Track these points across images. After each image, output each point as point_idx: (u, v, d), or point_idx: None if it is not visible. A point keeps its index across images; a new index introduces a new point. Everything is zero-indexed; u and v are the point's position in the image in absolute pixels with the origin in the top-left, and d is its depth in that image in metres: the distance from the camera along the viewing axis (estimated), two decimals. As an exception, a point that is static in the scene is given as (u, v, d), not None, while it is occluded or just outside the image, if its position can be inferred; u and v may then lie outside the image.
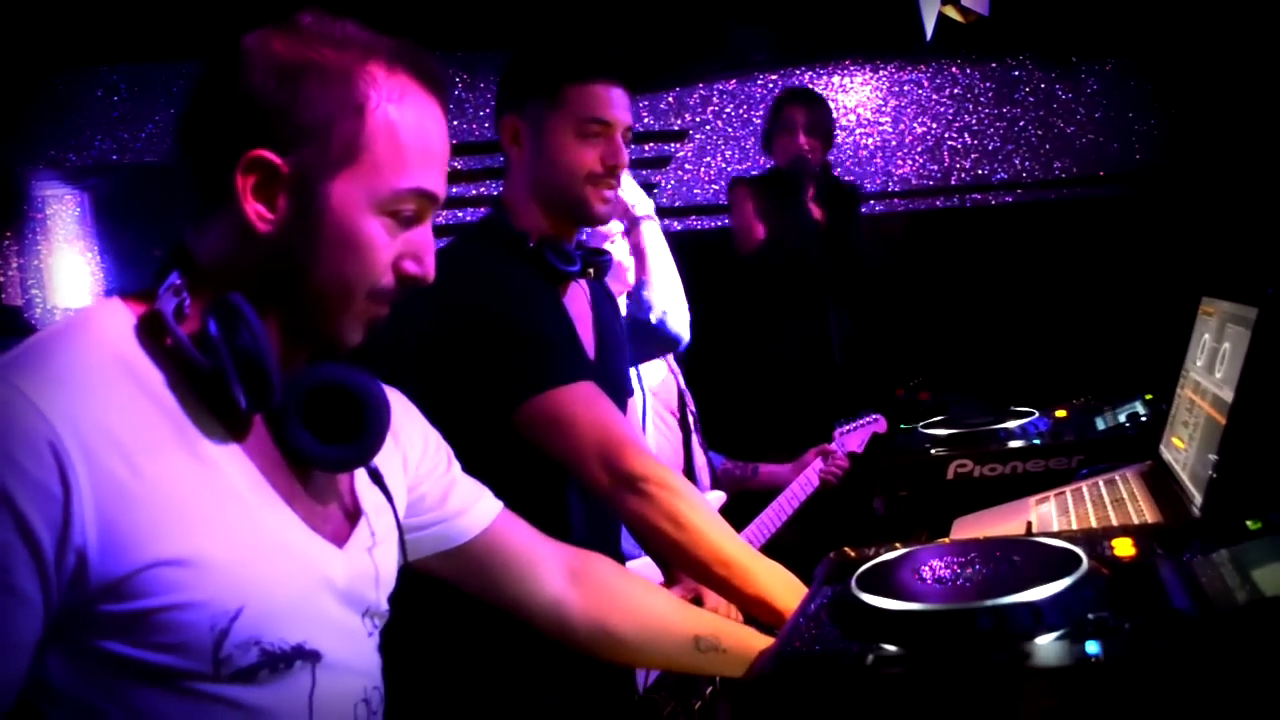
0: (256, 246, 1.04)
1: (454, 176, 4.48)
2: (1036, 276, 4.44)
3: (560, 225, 1.84)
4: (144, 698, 0.97)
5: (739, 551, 1.55)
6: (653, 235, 2.51)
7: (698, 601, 2.15)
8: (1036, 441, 1.95)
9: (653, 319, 2.41)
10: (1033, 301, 4.41)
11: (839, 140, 4.28)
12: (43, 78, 4.10)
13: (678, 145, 4.65)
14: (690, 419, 2.70)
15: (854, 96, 4.72)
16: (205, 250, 1.07)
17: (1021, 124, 4.76)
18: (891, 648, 0.93)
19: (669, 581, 2.30)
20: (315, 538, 1.09)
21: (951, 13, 3.41)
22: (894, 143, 4.74)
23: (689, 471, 2.66)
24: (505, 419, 1.66)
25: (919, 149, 4.75)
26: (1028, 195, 4.77)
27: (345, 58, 1.05)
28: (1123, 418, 2.01)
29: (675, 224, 4.55)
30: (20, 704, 0.93)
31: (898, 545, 1.24)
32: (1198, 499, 1.40)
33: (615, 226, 2.56)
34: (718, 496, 2.60)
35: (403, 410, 1.31)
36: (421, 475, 1.31)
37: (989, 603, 0.92)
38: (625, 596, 1.41)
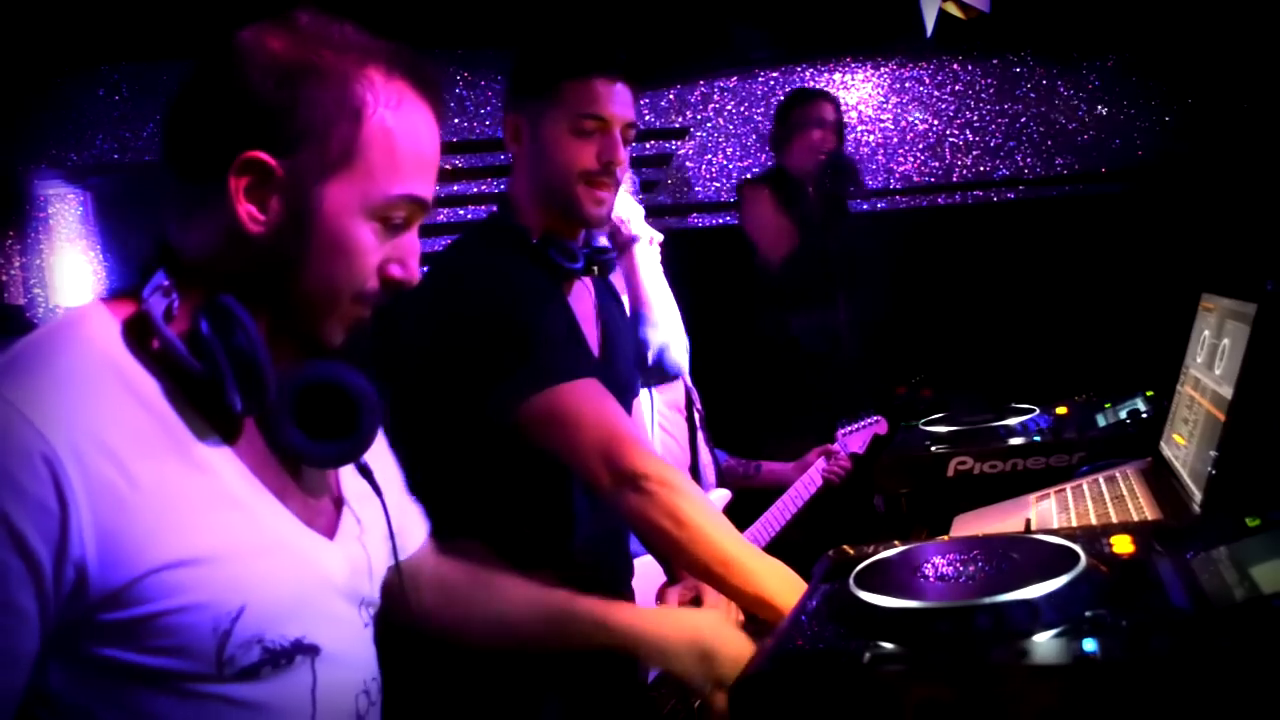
0: (246, 247, 1.04)
1: (455, 174, 4.48)
2: (1038, 273, 4.43)
3: (560, 223, 1.84)
4: (146, 702, 0.97)
5: (739, 550, 1.54)
6: (646, 260, 2.44)
7: (697, 600, 2.15)
8: (1037, 438, 1.95)
9: (650, 358, 2.37)
10: (1034, 298, 4.40)
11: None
12: (44, 77, 4.10)
13: (679, 143, 4.65)
14: (696, 416, 2.70)
15: (855, 94, 4.71)
16: (191, 250, 1.06)
17: (1023, 120, 4.75)
18: (889, 645, 0.93)
19: (671, 579, 2.30)
20: (309, 532, 1.09)
21: (952, 9, 3.41)
22: (895, 140, 4.73)
23: (694, 468, 2.66)
24: (508, 416, 1.66)
25: (920, 146, 4.74)
26: (1029, 192, 4.76)
27: (344, 61, 1.04)
28: (1123, 414, 2.01)
29: (676, 222, 4.55)
30: (20, 713, 0.93)
31: (897, 543, 1.24)
32: (1197, 496, 1.40)
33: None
34: (722, 494, 2.60)
35: None
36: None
37: (986, 600, 0.92)
38: (481, 596, 1.43)
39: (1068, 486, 1.70)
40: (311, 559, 1.09)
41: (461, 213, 4.48)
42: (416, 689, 1.52)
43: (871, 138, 4.71)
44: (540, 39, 1.84)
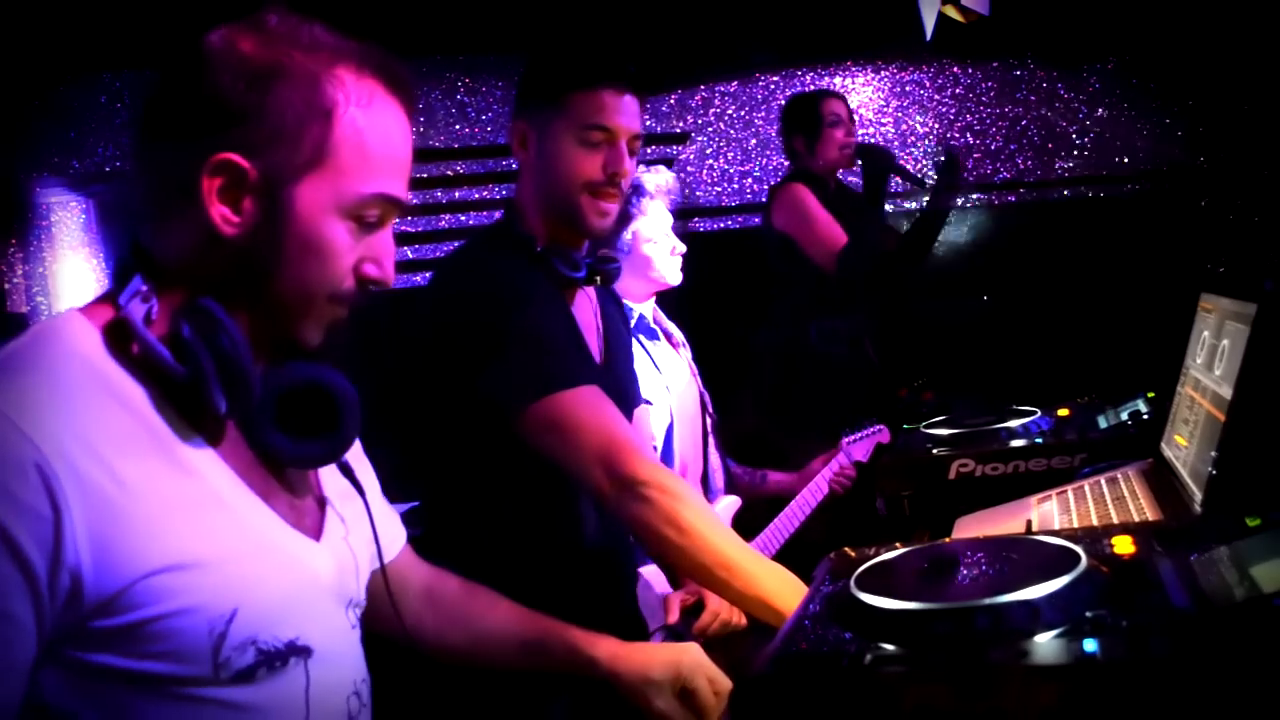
0: (220, 250, 1.03)
1: (456, 180, 4.49)
2: (1039, 275, 4.44)
3: (564, 232, 1.84)
4: (140, 707, 0.97)
5: (740, 554, 1.55)
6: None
7: (700, 605, 2.16)
8: (1038, 440, 1.95)
9: None
10: (1035, 300, 4.41)
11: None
12: (46, 85, 4.11)
13: (680, 147, 4.65)
14: (708, 421, 2.70)
15: (856, 97, 4.71)
16: (167, 254, 1.06)
17: (1023, 123, 4.75)
18: (891, 647, 0.93)
19: (674, 585, 2.30)
20: (295, 534, 1.10)
21: (952, 13, 3.40)
22: (896, 143, 4.73)
23: (704, 474, 2.66)
24: (510, 422, 1.66)
25: (921, 149, 4.74)
26: (1030, 195, 4.76)
27: (314, 61, 1.04)
28: (1125, 416, 2.01)
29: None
30: None
31: (898, 545, 1.24)
32: (1198, 496, 1.40)
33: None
34: (732, 501, 2.60)
35: None
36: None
37: (987, 601, 0.92)
38: (464, 610, 1.43)
39: (1069, 488, 1.70)
40: (300, 560, 1.09)
41: (463, 218, 4.49)
42: (423, 691, 1.52)
43: (872, 141, 4.71)
44: (549, 48, 1.85)
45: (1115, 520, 1.45)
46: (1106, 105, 4.72)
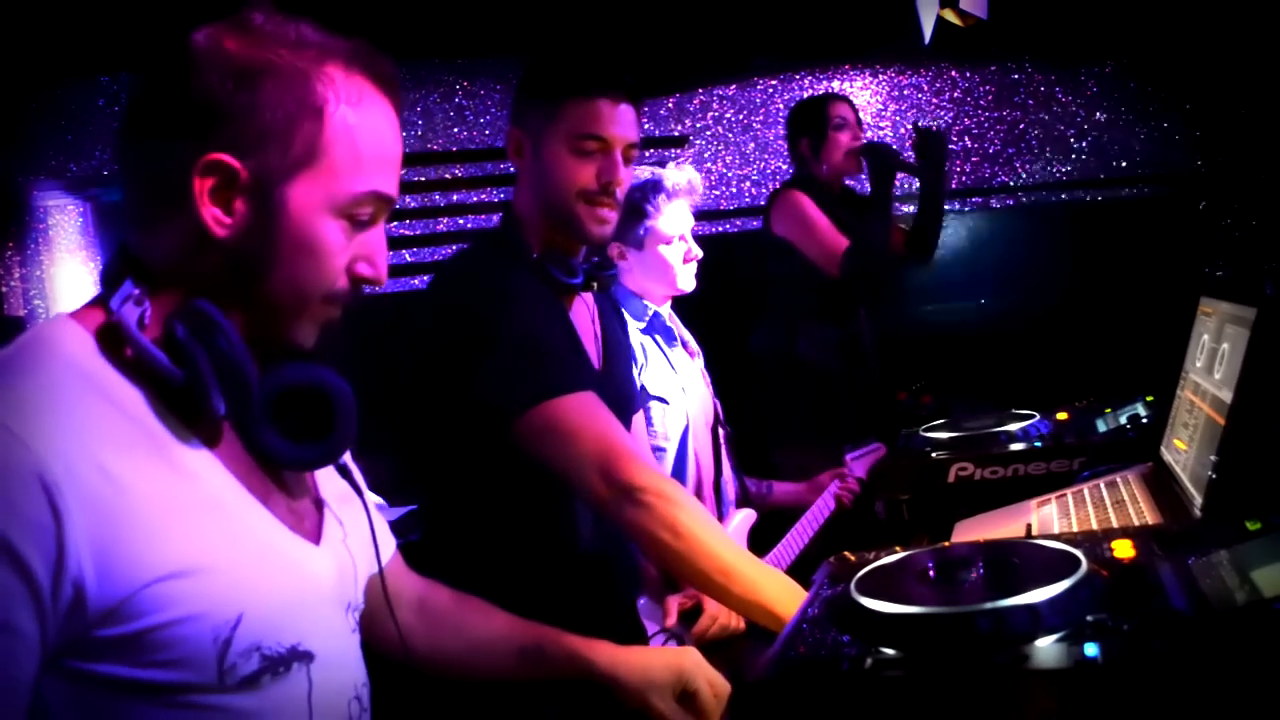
0: (212, 251, 1.02)
1: (454, 183, 4.49)
2: (1038, 279, 4.44)
3: (561, 239, 1.84)
4: (145, 716, 0.96)
5: (739, 559, 1.54)
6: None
7: (698, 608, 2.15)
8: (1037, 444, 1.95)
9: None
10: (1035, 304, 4.41)
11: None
12: (43, 88, 4.11)
13: (678, 151, 4.65)
14: (721, 432, 2.68)
15: (854, 101, 4.71)
16: (157, 257, 1.05)
17: (1022, 127, 4.76)
18: (890, 651, 0.92)
19: (673, 588, 2.29)
20: (295, 538, 1.09)
21: (950, 16, 3.41)
22: (895, 146, 4.74)
23: (717, 485, 2.64)
24: (506, 428, 1.66)
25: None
26: (1028, 198, 4.77)
27: (302, 59, 1.03)
28: (1124, 420, 2.01)
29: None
30: None
31: (898, 549, 1.24)
32: (1198, 500, 1.40)
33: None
34: (747, 514, 2.57)
35: None
36: None
37: (988, 605, 0.92)
38: (457, 619, 1.41)
39: (1068, 492, 1.70)
40: (301, 565, 1.08)
41: (461, 222, 4.49)
42: (419, 695, 1.52)
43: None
44: (546, 55, 1.84)
45: (1115, 524, 1.45)
46: (1105, 109, 4.73)
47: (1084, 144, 4.74)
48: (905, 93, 4.75)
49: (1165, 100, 4.68)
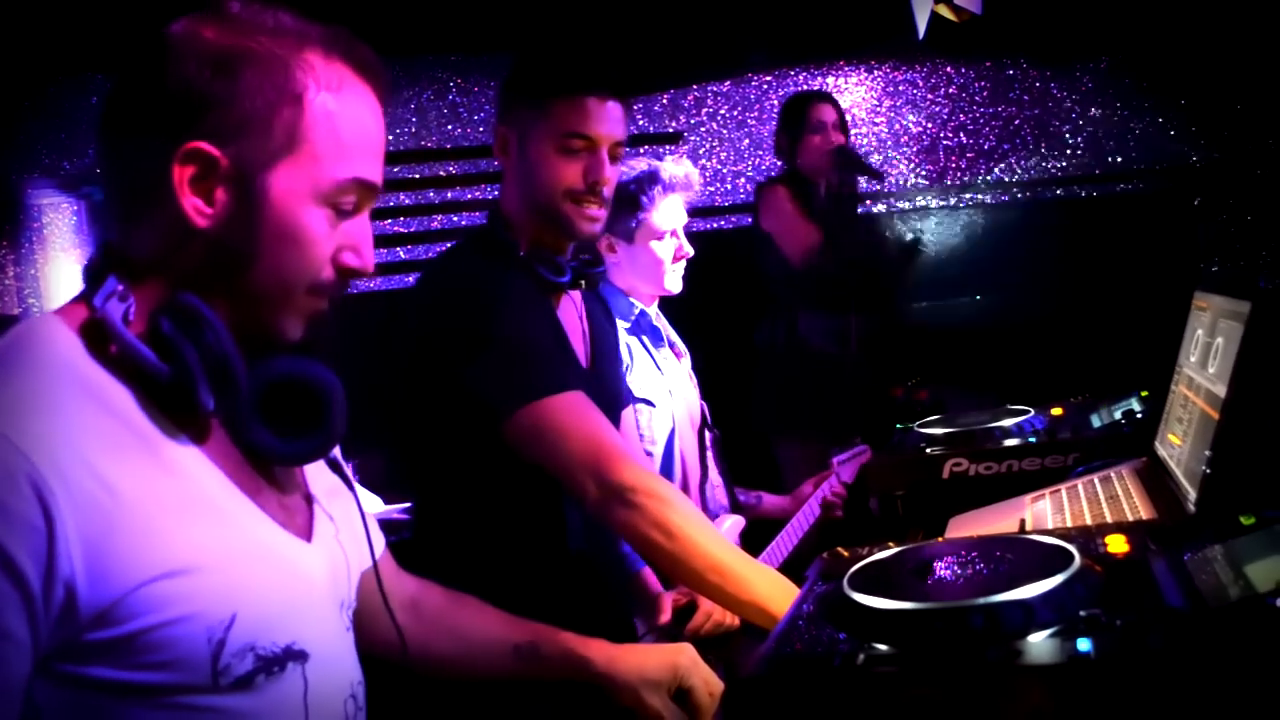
0: (194, 242, 1.01)
1: (447, 181, 4.48)
2: (1033, 275, 4.44)
3: (549, 236, 1.83)
4: (139, 719, 0.95)
5: (732, 558, 1.54)
6: None
7: (692, 606, 2.15)
8: (1032, 440, 1.94)
9: None
10: (1030, 299, 4.41)
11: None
12: (37, 86, 4.10)
13: (672, 148, 4.65)
14: (708, 435, 2.67)
15: (849, 97, 4.71)
16: (139, 251, 1.04)
17: (1017, 123, 4.76)
18: (883, 647, 0.92)
19: (667, 588, 2.29)
20: (287, 535, 1.08)
21: (944, 12, 3.41)
22: (889, 143, 4.74)
23: (703, 488, 2.63)
24: (495, 429, 1.65)
25: (914, 149, 4.75)
26: (1023, 194, 4.77)
27: (281, 46, 1.02)
28: (1118, 415, 2.01)
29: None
30: None
31: (891, 544, 1.24)
32: (1192, 495, 1.39)
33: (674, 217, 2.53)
34: (737, 520, 2.56)
35: None
36: None
37: (980, 601, 0.92)
38: (450, 619, 1.40)
39: (1063, 487, 1.69)
40: (293, 562, 1.08)
41: (455, 219, 4.48)
42: (414, 693, 1.51)
43: (865, 141, 4.72)
44: (533, 53, 1.84)
45: (1109, 519, 1.45)
46: (1099, 104, 4.73)
47: (1079, 139, 4.75)
48: (900, 89, 4.75)
49: (1160, 96, 4.68)
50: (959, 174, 4.76)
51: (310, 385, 1.09)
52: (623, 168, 1.88)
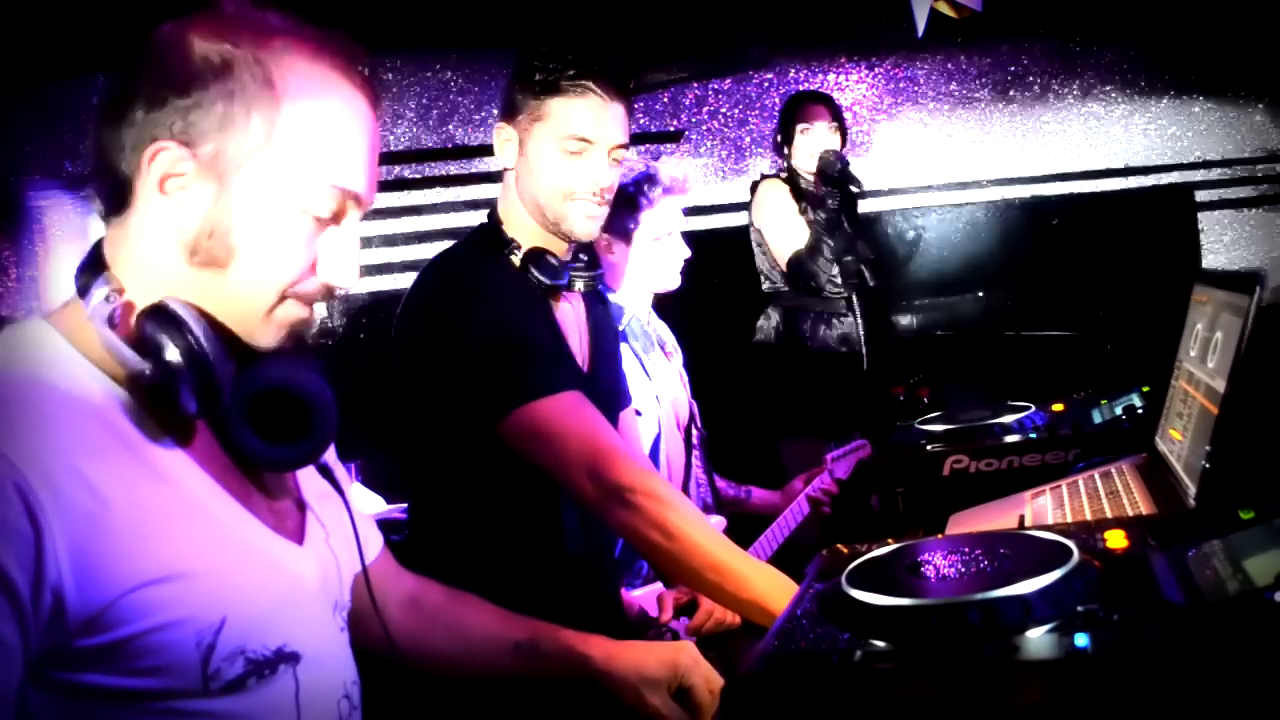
0: (170, 244, 1.01)
1: (447, 180, 4.48)
2: (1034, 271, 4.44)
3: (548, 237, 1.83)
4: None
5: (730, 557, 1.54)
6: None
7: (693, 604, 2.15)
8: (1032, 436, 1.94)
9: None
10: (1031, 296, 4.41)
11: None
12: (38, 87, 4.10)
13: (673, 146, 4.64)
14: (695, 434, 2.67)
15: (850, 94, 4.71)
16: (124, 253, 1.04)
17: (1020, 117, 4.75)
18: (881, 643, 0.92)
19: (668, 584, 2.29)
20: (278, 538, 1.08)
21: (944, 8, 3.41)
22: (892, 139, 4.73)
23: (685, 489, 2.63)
24: (492, 429, 1.65)
25: (917, 145, 4.74)
26: (1027, 189, 4.76)
27: (263, 48, 1.01)
28: (1119, 410, 2.00)
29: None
30: None
31: (890, 541, 1.23)
32: (1192, 490, 1.39)
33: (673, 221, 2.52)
34: (718, 521, 2.57)
35: None
36: None
37: (978, 596, 0.92)
38: (450, 616, 1.40)
39: (1063, 483, 1.69)
40: (284, 566, 1.07)
41: (454, 219, 4.48)
42: (411, 692, 1.51)
43: (867, 138, 4.71)
44: (536, 53, 1.83)
45: (1109, 515, 1.45)
46: (1101, 100, 4.72)
47: (1084, 133, 4.74)
48: (902, 85, 4.74)
49: (1163, 90, 4.67)
50: (961, 170, 4.76)
51: (299, 391, 1.08)
52: (621, 168, 1.88)
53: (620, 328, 2.48)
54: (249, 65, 1.00)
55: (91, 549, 0.91)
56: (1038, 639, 0.87)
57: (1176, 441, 1.57)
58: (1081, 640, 0.84)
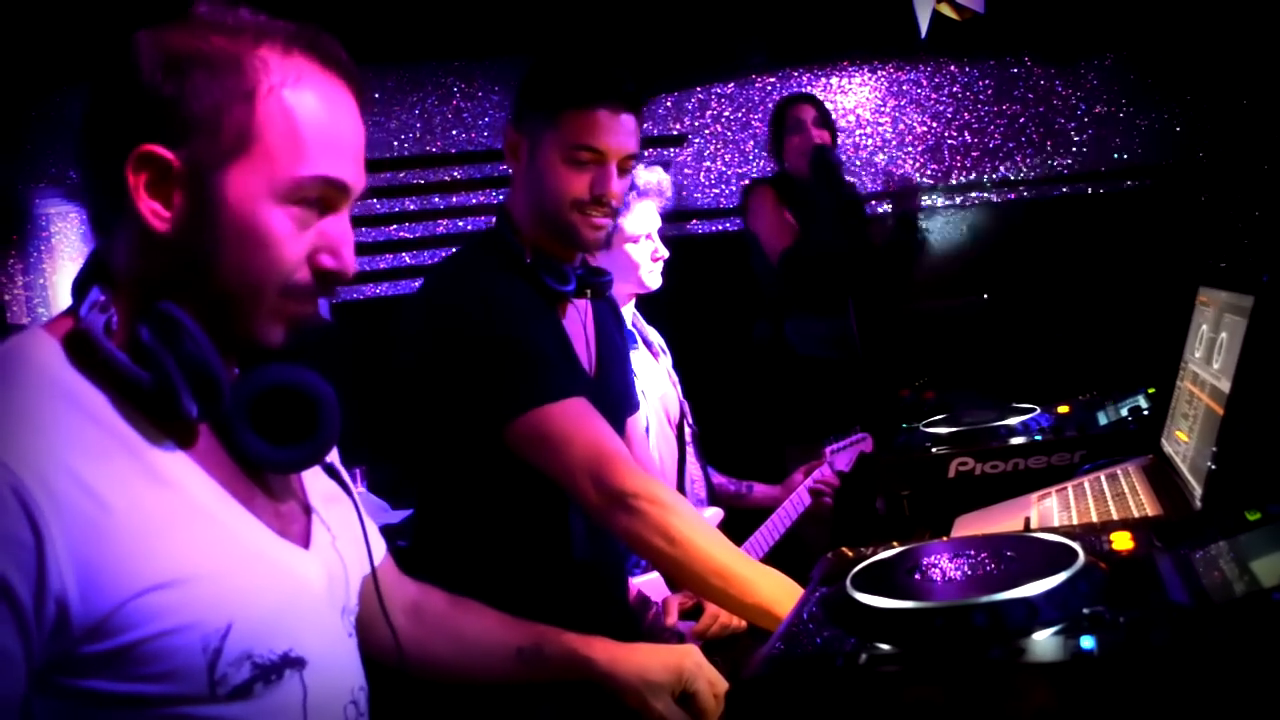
0: (158, 248, 1.01)
1: (452, 186, 4.49)
2: (1039, 273, 4.43)
3: (555, 244, 1.83)
4: None
5: (735, 561, 1.54)
6: None
7: (697, 609, 2.15)
8: (1038, 438, 1.94)
9: None
10: (1036, 298, 4.40)
11: (840, 141, 4.27)
12: (43, 95, 4.11)
13: (676, 150, 4.65)
14: (688, 431, 2.68)
15: (853, 97, 4.71)
16: (117, 260, 1.03)
17: (1021, 121, 4.75)
18: (886, 646, 0.92)
19: (674, 588, 2.29)
20: (283, 542, 1.07)
21: (947, 11, 3.40)
22: (894, 142, 4.73)
23: (680, 486, 2.64)
24: (497, 434, 1.65)
25: (919, 148, 4.74)
26: (1029, 192, 4.75)
27: (236, 44, 1.01)
28: (1125, 412, 2.00)
29: (675, 229, 4.54)
30: None
31: (895, 544, 1.23)
32: (1198, 491, 1.39)
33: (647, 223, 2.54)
34: (715, 513, 2.57)
35: None
36: None
37: (984, 599, 0.91)
38: (453, 622, 1.40)
39: (1069, 485, 1.69)
40: (290, 569, 1.07)
41: (460, 224, 4.49)
42: (417, 697, 1.51)
43: (870, 141, 4.71)
44: (547, 62, 1.83)
45: (1115, 516, 1.44)
46: (1104, 101, 4.71)
47: (1084, 137, 4.73)
48: (904, 88, 4.74)
49: (1165, 92, 4.66)
50: (964, 173, 4.75)
51: (302, 392, 1.08)
52: (630, 178, 1.88)
53: None
54: (220, 62, 1.00)
55: (94, 554, 0.90)
56: (1044, 641, 0.86)
57: (1182, 443, 1.56)
58: (1088, 642, 0.83)
